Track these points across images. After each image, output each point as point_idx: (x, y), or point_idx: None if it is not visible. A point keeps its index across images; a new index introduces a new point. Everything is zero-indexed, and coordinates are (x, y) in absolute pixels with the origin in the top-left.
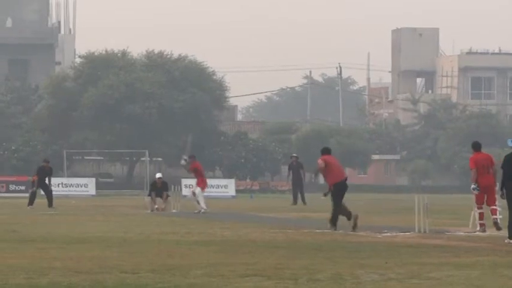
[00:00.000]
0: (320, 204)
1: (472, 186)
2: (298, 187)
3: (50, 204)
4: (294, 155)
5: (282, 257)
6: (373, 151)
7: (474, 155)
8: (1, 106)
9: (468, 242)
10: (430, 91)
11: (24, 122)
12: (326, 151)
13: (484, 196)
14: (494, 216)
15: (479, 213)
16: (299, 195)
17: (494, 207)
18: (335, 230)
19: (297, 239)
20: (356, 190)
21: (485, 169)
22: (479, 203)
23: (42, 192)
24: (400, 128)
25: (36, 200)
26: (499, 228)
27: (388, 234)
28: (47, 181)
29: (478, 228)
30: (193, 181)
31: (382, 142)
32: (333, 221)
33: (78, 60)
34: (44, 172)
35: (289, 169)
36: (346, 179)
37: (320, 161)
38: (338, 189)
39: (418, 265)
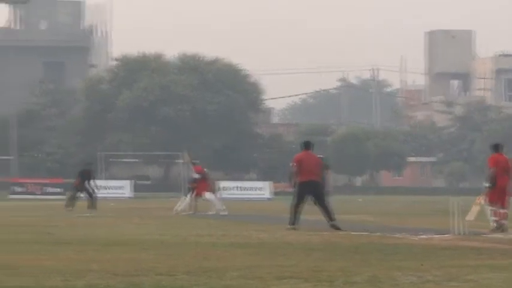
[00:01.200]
0: (354, 206)
1: (488, 184)
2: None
3: (92, 206)
4: (320, 155)
5: (318, 259)
6: (408, 153)
7: (495, 156)
8: (36, 109)
9: (504, 244)
10: (465, 93)
11: (59, 125)
12: (306, 146)
13: (497, 196)
14: (504, 221)
15: (494, 211)
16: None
17: (505, 211)
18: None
19: (333, 241)
20: (392, 192)
21: (504, 171)
22: (492, 201)
23: (83, 195)
24: (435, 130)
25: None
26: (504, 230)
27: (424, 236)
28: (88, 184)
29: (494, 225)
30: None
31: (418, 144)
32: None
33: (113, 62)
34: (86, 175)
35: None
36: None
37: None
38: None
39: (455, 267)
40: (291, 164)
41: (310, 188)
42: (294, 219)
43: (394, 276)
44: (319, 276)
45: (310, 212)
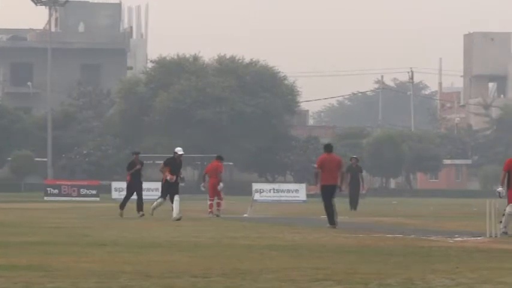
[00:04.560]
0: (389, 208)
1: (500, 189)
2: (355, 191)
3: (138, 208)
4: (354, 156)
5: (352, 262)
6: (444, 156)
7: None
8: (73, 110)
9: None
10: (502, 96)
11: (96, 126)
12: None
13: None
14: None
15: None
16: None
17: None
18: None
19: (367, 243)
20: (427, 195)
21: None
22: None
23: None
24: (471, 132)
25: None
26: None
27: (459, 239)
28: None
29: None
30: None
31: (454, 147)
32: (330, 221)
33: (150, 65)
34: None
35: (347, 171)
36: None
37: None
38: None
39: (490, 270)
40: (314, 166)
41: (331, 190)
42: (331, 219)
43: (428, 279)
44: (352, 279)
45: (344, 213)
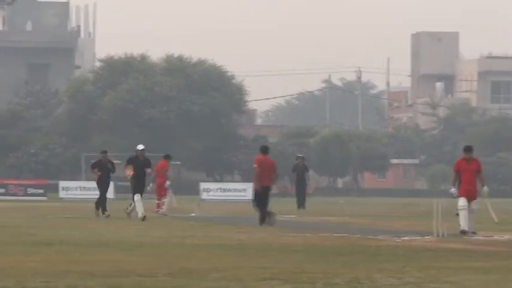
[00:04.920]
0: (336, 208)
1: (453, 190)
2: (301, 190)
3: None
4: (300, 155)
5: (299, 261)
6: (392, 155)
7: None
8: (20, 109)
9: (486, 246)
10: (449, 95)
11: (43, 126)
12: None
13: None
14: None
15: None
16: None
17: None
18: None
19: (314, 242)
20: (374, 194)
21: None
22: None
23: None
24: (419, 132)
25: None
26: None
27: (407, 238)
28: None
29: None
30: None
31: (401, 146)
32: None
33: (97, 64)
34: (106, 168)
35: (293, 170)
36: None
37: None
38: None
39: (437, 269)
40: (254, 166)
41: (265, 191)
42: (262, 218)
43: (375, 278)
44: (299, 278)
45: (292, 213)
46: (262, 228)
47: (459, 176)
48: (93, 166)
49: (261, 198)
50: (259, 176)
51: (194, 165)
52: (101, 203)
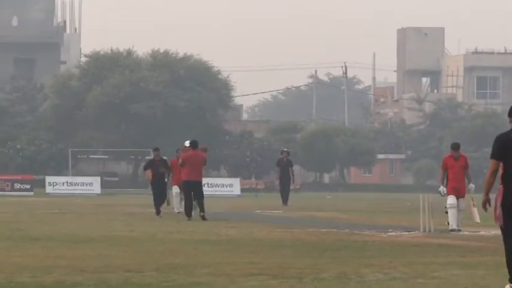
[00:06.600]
0: (323, 203)
1: (441, 188)
2: (286, 185)
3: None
4: (285, 149)
5: (287, 256)
6: (378, 150)
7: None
8: (6, 105)
9: (473, 241)
10: (435, 91)
11: (29, 121)
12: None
13: None
14: None
15: None
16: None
17: None
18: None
19: (302, 238)
20: (360, 189)
21: None
22: None
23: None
24: (405, 127)
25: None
26: None
27: (393, 233)
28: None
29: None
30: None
31: (387, 141)
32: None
33: (83, 59)
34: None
35: (277, 165)
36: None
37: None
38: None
39: (423, 264)
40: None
41: (194, 186)
42: (188, 211)
43: (362, 273)
44: (287, 273)
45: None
46: (250, 224)
47: (447, 174)
48: (146, 167)
49: (189, 193)
50: (186, 171)
51: None
52: (161, 201)
